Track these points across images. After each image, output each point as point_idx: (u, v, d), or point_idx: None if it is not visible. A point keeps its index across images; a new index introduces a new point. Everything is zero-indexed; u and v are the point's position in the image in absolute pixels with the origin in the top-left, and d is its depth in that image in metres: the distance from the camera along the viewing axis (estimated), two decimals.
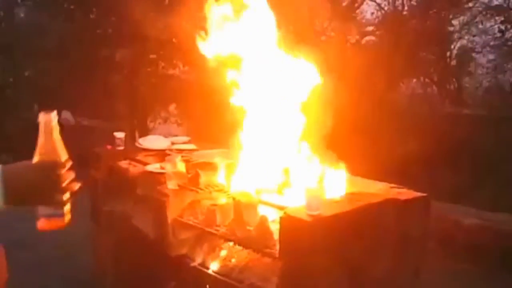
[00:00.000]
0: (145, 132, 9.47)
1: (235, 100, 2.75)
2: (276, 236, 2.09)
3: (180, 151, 3.16)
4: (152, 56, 9.77)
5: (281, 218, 2.02)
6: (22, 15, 11.44)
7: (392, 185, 2.42)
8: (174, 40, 9.64)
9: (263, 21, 2.80)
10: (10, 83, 10.29)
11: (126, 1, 8.80)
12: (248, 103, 2.74)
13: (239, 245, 2.27)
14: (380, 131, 7.59)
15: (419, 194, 2.32)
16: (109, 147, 3.34)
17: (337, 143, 2.56)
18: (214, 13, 2.78)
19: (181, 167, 2.67)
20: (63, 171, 1.19)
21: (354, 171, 2.62)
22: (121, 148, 3.27)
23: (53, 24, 9.60)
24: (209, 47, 2.77)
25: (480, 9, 11.10)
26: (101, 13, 9.57)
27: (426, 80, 12.97)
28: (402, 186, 2.40)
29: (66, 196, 1.20)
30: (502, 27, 9.50)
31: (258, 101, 2.73)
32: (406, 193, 2.31)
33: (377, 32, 11.84)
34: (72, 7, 9.60)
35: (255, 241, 2.16)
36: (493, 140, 7.19)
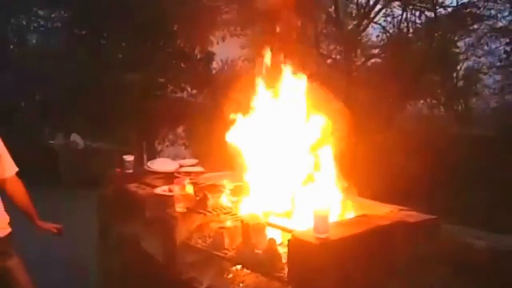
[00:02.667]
0: (153, 155, 9.54)
1: (243, 124, 2.78)
2: (284, 259, 2.08)
3: (188, 173, 3.17)
4: (160, 79, 9.93)
5: (289, 241, 2.01)
6: (34, 41, 11.75)
7: (401, 207, 2.40)
8: (182, 64, 9.83)
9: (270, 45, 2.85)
10: (21, 107, 10.49)
11: (136, 27, 9.03)
12: (256, 126, 2.76)
13: (247, 268, 2.25)
14: (388, 153, 7.57)
15: (428, 216, 2.30)
16: (118, 170, 3.36)
17: (345, 165, 2.57)
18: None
19: (189, 189, 2.68)
20: None
21: (362, 193, 2.61)
22: (130, 171, 3.30)
23: (64, 49, 9.83)
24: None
25: (485, 30, 11.18)
26: (111, 39, 9.80)
27: (433, 101, 12.97)
28: (411, 209, 2.38)
29: None
30: (508, 49, 9.55)
31: (266, 124, 2.76)
32: (415, 216, 2.29)
33: (383, 55, 11.94)
34: (83, 32, 9.85)
35: (263, 264, 2.15)
36: (503, 161, 7.12)
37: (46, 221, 2.70)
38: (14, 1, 10.15)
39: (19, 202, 2.60)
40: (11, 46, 11.22)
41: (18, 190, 2.60)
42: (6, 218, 2.51)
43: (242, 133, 2.77)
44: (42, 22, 11.52)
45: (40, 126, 9.07)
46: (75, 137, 8.36)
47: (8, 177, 2.56)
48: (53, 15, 11.10)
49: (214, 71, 11.25)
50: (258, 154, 2.75)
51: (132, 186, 3.07)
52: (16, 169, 2.61)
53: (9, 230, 2.51)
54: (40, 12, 11.35)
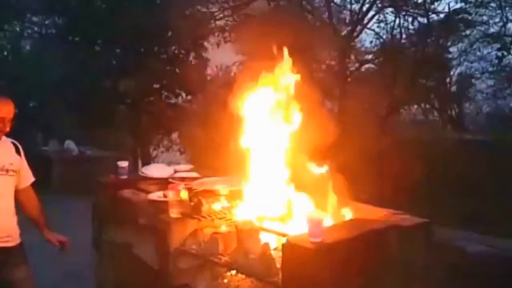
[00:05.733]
0: (148, 161, 9.51)
1: (240, 130, 2.78)
2: (279, 264, 2.09)
3: (182, 179, 3.16)
4: (155, 85, 9.93)
5: (283, 245, 2.01)
6: (27, 47, 11.73)
7: (395, 211, 2.42)
8: (177, 70, 9.84)
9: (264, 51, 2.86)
10: (14, 113, 10.43)
11: (130, 33, 9.04)
12: (252, 133, 2.77)
13: (242, 273, 2.25)
14: (382, 157, 7.59)
15: (421, 220, 2.32)
16: (112, 176, 3.35)
17: (340, 170, 2.58)
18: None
19: (184, 195, 2.68)
20: None
21: (357, 197, 2.62)
22: (124, 177, 3.29)
23: (58, 56, 9.81)
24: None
25: (477, 36, 11.31)
26: (105, 45, 9.79)
27: (427, 106, 13.07)
28: (404, 212, 2.40)
29: None
30: (499, 54, 9.65)
31: (262, 131, 2.76)
32: (408, 219, 2.31)
33: (376, 60, 12.03)
34: (77, 39, 9.83)
35: (257, 269, 2.15)
36: (496, 165, 7.17)
37: (55, 233, 2.70)
38: (7, 8, 10.14)
39: (30, 211, 2.64)
40: (5, 53, 11.18)
41: (31, 199, 2.64)
42: (18, 230, 2.55)
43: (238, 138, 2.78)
44: (36, 29, 11.51)
45: (34, 133, 9.03)
46: (69, 144, 8.32)
47: (23, 187, 2.60)
48: (47, 22, 11.09)
49: (208, 77, 11.28)
50: (254, 159, 2.76)
51: (126, 192, 3.06)
52: (32, 179, 2.65)
53: (19, 241, 2.55)
54: (34, 19, 11.33)
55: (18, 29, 11.33)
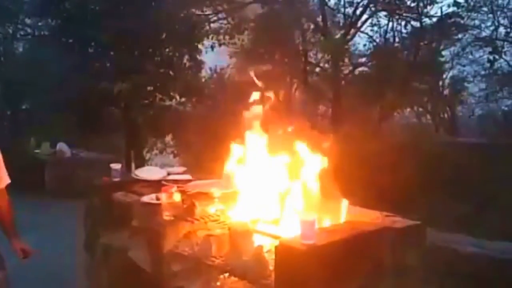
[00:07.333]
0: (141, 163, 9.48)
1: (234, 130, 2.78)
2: (271, 266, 2.09)
3: (176, 181, 3.16)
4: (149, 88, 9.91)
5: (275, 247, 2.02)
6: (20, 49, 11.67)
7: (387, 213, 2.43)
8: (171, 72, 9.83)
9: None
10: (7, 115, 10.37)
11: (124, 35, 9.01)
12: (245, 134, 2.77)
13: (235, 276, 2.25)
14: (375, 160, 7.63)
15: (413, 222, 2.33)
16: (105, 178, 3.34)
17: (333, 172, 2.59)
18: None
19: (177, 197, 2.67)
20: None
21: (350, 200, 2.63)
22: (117, 179, 3.28)
23: (51, 58, 9.76)
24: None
25: (469, 40, 11.43)
26: (99, 47, 9.76)
27: (420, 109, 13.17)
28: (396, 215, 2.41)
29: None
30: (491, 57, 9.75)
31: (255, 132, 2.77)
32: (401, 222, 2.32)
33: (370, 63, 12.09)
34: (70, 41, 9.80)
35: (250, 271, 2.15)
36: (489, 168, 7.23)
37: (23, 241, 2.64)
38: (0, 9, 10.08)
39: (2, 213, 2.57)
40: None
41: (4, 201, 2.58)
42: None
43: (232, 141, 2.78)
44: (29, 31, 11.45)
45: (26, 135, 8.97)
46: (61, 146, 8.27)
47: None
48: (40, 24, 11.03)
49: (203, 80, 11.28)
50: (246, 162, 2.76)
51: (119, 195, 3.05)
52: (8, 181, 2.60)
53: None
54: (27, 20, 11.27)
55: (11, 30, 11.26)
